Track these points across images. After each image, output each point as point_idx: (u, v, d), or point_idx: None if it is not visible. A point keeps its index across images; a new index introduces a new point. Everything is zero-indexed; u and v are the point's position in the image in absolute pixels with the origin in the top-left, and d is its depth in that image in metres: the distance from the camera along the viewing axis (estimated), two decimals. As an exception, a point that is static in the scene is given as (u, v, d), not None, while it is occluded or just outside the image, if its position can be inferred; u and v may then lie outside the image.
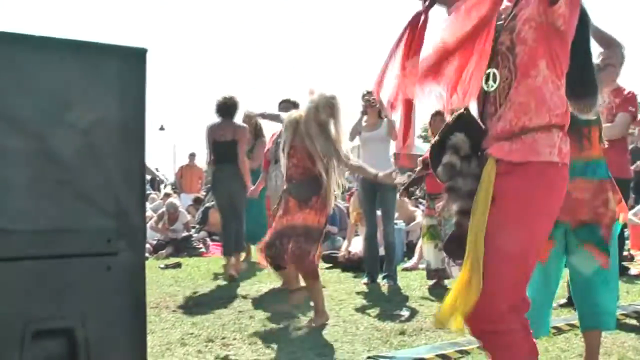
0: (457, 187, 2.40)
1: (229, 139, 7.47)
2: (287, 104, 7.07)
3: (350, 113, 6.05)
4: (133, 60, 2.35)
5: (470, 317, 2.31)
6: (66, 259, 2.21)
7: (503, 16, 2.46)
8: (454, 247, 2.55)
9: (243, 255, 8.61)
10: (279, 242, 5.11)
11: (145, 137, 2.37)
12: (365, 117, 7.29)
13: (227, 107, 7.53)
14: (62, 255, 2.20)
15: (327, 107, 5.09)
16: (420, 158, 3.62)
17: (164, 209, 11.45)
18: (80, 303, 2.23)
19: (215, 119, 7.66)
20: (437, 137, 2.58)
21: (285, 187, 5.34)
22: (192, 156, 16.61)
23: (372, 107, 7.15)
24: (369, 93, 7.15)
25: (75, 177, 2.23)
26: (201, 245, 10.72)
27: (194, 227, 11.69)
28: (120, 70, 2.32)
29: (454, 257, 2.83)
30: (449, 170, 2.41)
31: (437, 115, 6.53)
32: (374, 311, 5.72)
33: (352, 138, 7.39)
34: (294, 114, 5.39)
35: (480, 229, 2.31)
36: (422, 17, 2.60)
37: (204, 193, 14.73)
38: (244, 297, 6.35)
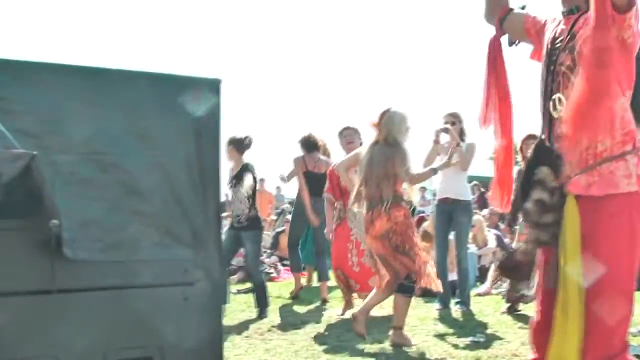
0: (544, 223, 2.37)
1: (323, 172, 7.65)
2: (350, 131, 7.15)
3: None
4: (208, 91, 2.38)
5: (588, 354, 2.31)
6: (144, 289, 2.24)
7: (560, 38, 2.44)
8: (510, 269, 2.61)
9: (304, 280, 8.94)
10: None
11: (221, 168, 2.39)
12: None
13: (311, 142, 7.88)
14: (139, 286, 2.24)
15: None
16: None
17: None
18: (158, 333, 2.25)
19: (287, 147, 7.98)
20: (522, 171, 2.57)
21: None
22: (261, 181, 16.75)
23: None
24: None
25: (152, 208, 2.26)
26: (272, 270, 10.71)
27: (265, 252, 11.71)
28: (196, 101, 2.35)
29: (507, 276, 2.84)
30: (540, 206, 2.38)
31: (529, 138, 6.25)
32: (448, 337, 5.61)
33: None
34: None
35: (573, 272, 2.29)
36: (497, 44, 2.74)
37: (275, 218, 14.81)
38: (316, 322, 6.32)
